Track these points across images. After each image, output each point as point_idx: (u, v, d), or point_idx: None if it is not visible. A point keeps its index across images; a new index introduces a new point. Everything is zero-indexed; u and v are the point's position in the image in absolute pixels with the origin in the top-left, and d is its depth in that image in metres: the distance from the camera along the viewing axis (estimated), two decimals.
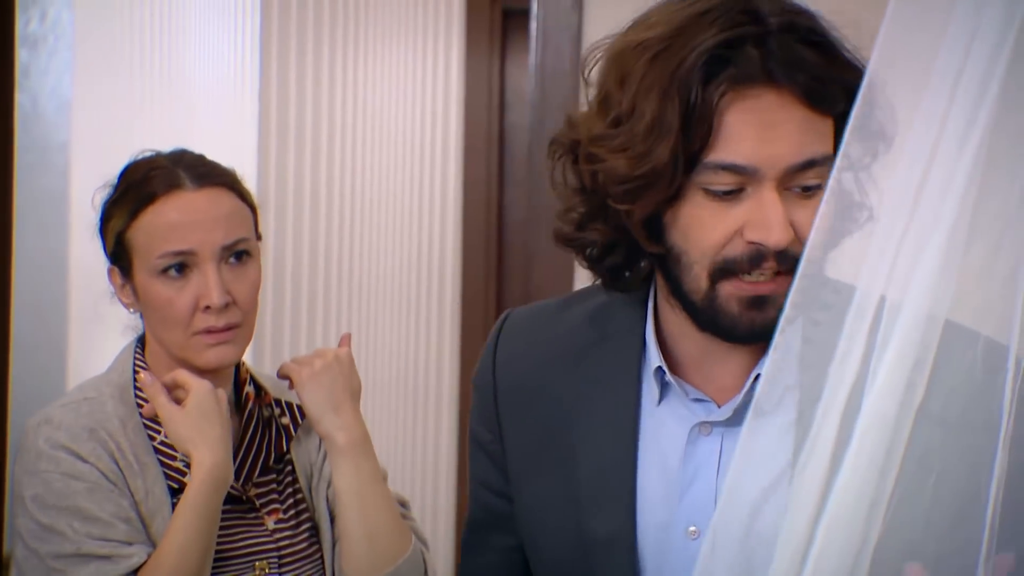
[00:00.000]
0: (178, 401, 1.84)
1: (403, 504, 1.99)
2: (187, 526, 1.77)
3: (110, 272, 1.93)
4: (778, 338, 0.98)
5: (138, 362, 1.91)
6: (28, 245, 3.14)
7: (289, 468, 1.98)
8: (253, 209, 1.95)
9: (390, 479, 1.98)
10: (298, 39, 4.13)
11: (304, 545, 1.93)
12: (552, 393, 1.46)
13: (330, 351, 1.96)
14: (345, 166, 4.32)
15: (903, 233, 0.92)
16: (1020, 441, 0.96)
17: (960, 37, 0.93)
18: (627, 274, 1.41)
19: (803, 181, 1.25)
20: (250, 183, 3.82)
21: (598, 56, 1.34)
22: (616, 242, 1.36)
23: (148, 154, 1.93)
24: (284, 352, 4.14)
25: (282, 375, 1.97)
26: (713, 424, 1.38)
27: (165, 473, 1.84)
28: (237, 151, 3.92)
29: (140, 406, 1.87)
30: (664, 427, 1.40)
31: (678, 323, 1.38)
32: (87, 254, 3.20)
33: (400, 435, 4.42)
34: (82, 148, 3.43)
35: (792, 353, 1.02)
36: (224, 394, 1.85)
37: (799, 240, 1.25)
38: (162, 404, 1.83)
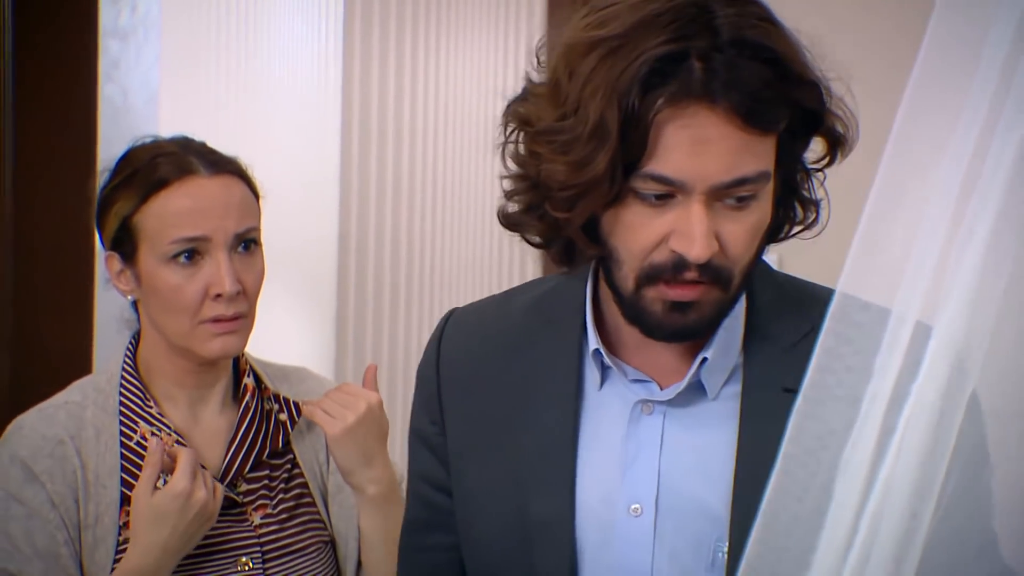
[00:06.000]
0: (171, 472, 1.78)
1: None
2: None
3: (108, 258, 1.87)
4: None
5: (126, 365, 1.87)
6: None
7: (288, 464, 1.94)
8: (258, 198, 1.91)
9: None
10: (380, 34, 4.16)
11: (292, 540, 1.90)
12: (496, 381, 1.48)
13: (362, 400, 1.89)
14: (427, 162, 4.34)
15: (953, 220, 0.91)
16: None
17: (999, 46, 0.91)
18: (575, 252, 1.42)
19: (734, 194, 1.27)
20: (333, 178, 3.84)
21: (554, 40, 1.35)
22: (554, 238, 1.38)
23: (148, 139, 1.89)
24: (367, 347, 4.17)
25: (309, 419, 1.92)
26: (655, 403, 1.40)
27: (124, 491, 1.79)
28: (320, 145, 3.96)
29: (122, 412, 1.83)
30: (606, 408, 1.42)
31: (616, 308, 1.40)
32: None
33: None
34: None
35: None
36: (203, 497, 1.77)
37: (724, 253, 1.29)
38: (142, 479, 1.77)
